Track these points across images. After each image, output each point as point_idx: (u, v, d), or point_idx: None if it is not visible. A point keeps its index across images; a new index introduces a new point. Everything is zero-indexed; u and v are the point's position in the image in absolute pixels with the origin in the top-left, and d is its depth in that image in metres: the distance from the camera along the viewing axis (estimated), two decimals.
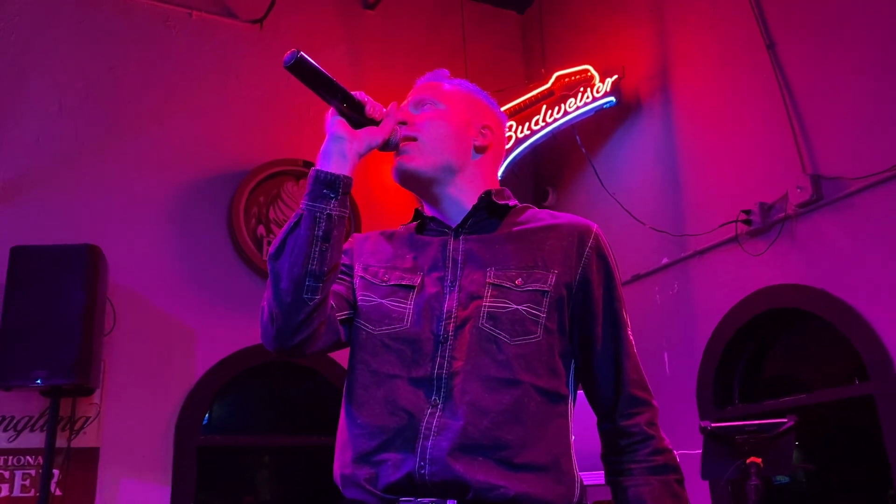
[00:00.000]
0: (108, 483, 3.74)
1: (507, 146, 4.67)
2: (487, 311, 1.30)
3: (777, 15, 3.70)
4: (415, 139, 1.39)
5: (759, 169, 3.70)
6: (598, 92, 4.49)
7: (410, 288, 1.35)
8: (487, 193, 1.41)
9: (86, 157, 4.09)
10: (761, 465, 2.44)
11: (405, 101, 1.48)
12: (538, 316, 1.30)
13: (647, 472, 1.32)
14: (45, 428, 3.58)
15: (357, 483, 1.27)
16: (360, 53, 4.99)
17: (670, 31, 4.35)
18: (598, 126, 4.66)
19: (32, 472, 3.60)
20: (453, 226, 1.40)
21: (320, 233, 1.25)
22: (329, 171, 1.28)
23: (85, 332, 3.39)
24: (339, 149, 1.30)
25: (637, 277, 4.32)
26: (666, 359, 4.09)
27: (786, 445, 2.53)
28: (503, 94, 4.86)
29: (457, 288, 1.33)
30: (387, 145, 1.37)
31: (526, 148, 4.68)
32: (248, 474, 4.85)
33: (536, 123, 4.62)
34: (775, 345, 3.88)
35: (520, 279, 1.32)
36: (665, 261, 4.16)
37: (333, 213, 1.27)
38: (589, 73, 4.56)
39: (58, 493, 3.56)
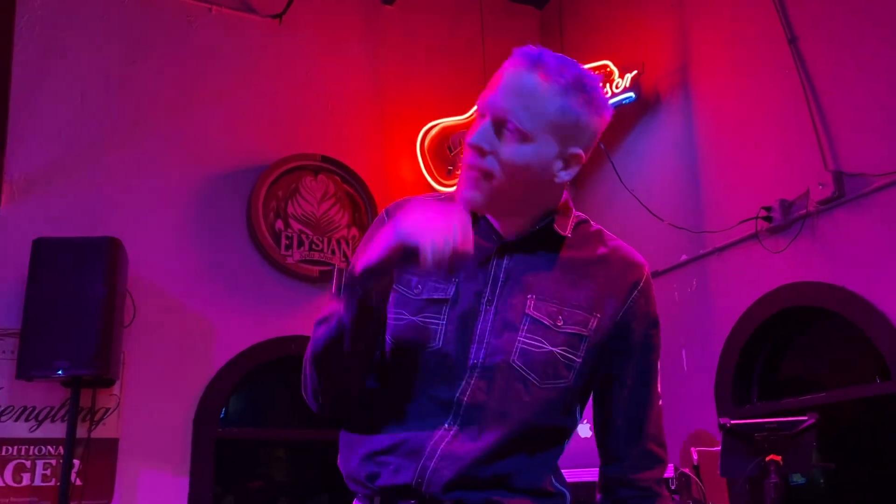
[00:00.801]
0: (128, 473, 3.78)
1: None
2: (521, 348, 1.23)
3: (799, 9, 3.66)
4: (491, 178, 1.22)
5: (780, 165, 3.67)
6: (617, 88, 4.47)
7: (444, 302, 1.27)
8: (551, 221, 1.29)
9: (107, 150, 4.13)
10: (781, 462, 2.42)
11: (489, 95, 1.24)
12: (573, 361, 1.25)
13: None
14: (65, 418, 3.62)
15: (358, 480, 1.27)
16: (378, 49, 4.99)
17: (690, 26, 4.31)
18: (617, 122, 4.59)
19: (53, 461, 3.64)
20: (505, 237, 1.29)
21: (366, 336, 1.23)
22: (360, 270, 1.17)
23: (105, 324, 3.43)
24: (383, 272, 1.19)
25: (655, 274, 4.30)
26: (684, 356, 4.07)
27: (806, 443, 2.51)
28: None
29: (493, 309, 1.26)
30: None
31: None
32: (262, 467, 4.88)
33: None
34: (795, 343, 3.85)
35: (560, 319, 1.25)
36: (684, 258, 4.13)
37: (380, 312, 1.24)
38: (608, 69, 4.54)
39: (78, 482, 3.60)
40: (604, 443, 1.34)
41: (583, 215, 1.37)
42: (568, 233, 1.31)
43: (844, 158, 3.38)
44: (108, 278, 3.49)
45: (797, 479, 3.78)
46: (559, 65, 1.22)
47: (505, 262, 1.28)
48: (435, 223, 1.12)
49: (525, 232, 1.29)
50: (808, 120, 3.51)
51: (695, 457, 2.60)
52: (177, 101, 4.36)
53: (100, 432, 3.75)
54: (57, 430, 3.66)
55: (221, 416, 4.17)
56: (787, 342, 3.83)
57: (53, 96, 4.08)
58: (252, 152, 4.46)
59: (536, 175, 1.23)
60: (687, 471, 2.47)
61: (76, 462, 3.57)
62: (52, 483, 3.61)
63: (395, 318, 1.29)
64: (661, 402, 1.35)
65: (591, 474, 2.55)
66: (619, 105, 4.47)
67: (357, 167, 4.69)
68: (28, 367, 3.37)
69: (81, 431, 3.63)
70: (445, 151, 4.87)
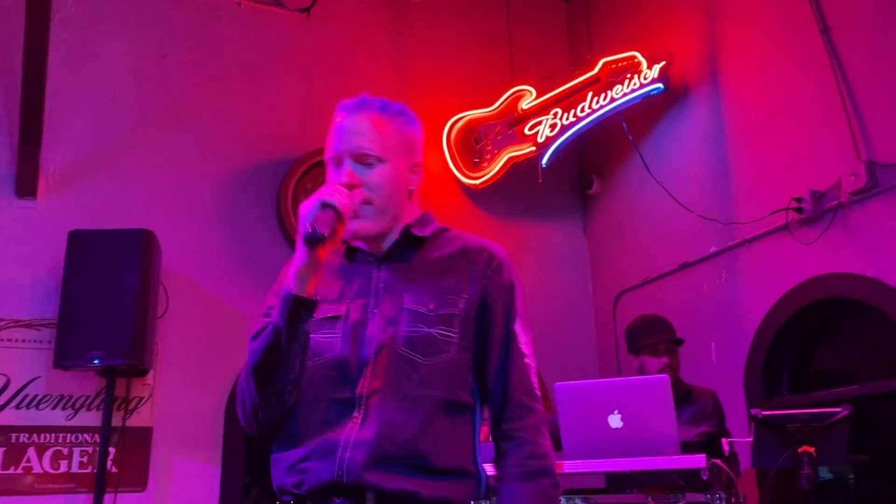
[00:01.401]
0: (161, 461, 3.84)
1: (553, 133, 4.65)
2: (404, 336, 1.43)
3: None
4: (371, 203, 1.46)
5: (812, 156, 3.64)
6: (645, 78, 4.44)
7: (337, 318, 1.47)
8: (408, 227, 1.53)
9: (140, 144, 4.19)
10: (814, 454, 2.41)
11: (337, 144, 1.49)
12: (450, 337, 1.44)
13: (523, 476, 1.43)
14: (101, 407, 3.69)
15: (286, 490, 1.43)
16: (404, 41, 5.01)
17: (720, 16, 4.28)
18: (645, 113, 4.61)
19: (90, 449, 3.72)
20: (378, 256, 1.52)
21: (299, 348, 1.40)
22: (305, 295, 1.38)
23: (139, 315, 3.48)
24: (308, 272, 1.38)
25: (684, 266, 4.29)
26: (713, 348, 4.05)
27: (840, 435, 2.49)
28: (548, 81, 4.84)
29: (378, 312, 1.46)
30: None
31: (571, 135, 4.65)
32: None
33: (582, 110, 4.59)
34: (826, 335, 3.82)
35: (433, 304, 1.46)
36: (713, 249, 4.11)
37: (308, 328, 1.41)
38: (636, 60, 4.52)
39: (113, 470, 3.67)
40: (490, 409, 1.51)
41: (443, 225, 1.60)
42: (428, 233, 1.54)
43: (878, 148, 3.34)
44: (142, 270, 3.54)
45: (825, 474, 3.75)
46: (381, 101, 1.54)
47: (382, 273, 1.51)
48: (311, 200, 1.36)
49: (392, 245, 1.52)
50: (840, 110, 3.47)
51: (726, 447, 2.59)
52: (207, 95, 4.41)
53: (134, 421, 3.83)
54: (93, 418, 3.74)
55: None
56: (817, 334, 3.80)
57: (87, 92, 4.14)
58: (281, 145, 4.50)
59: (399, 187, 1.51)
60: (718, 462, 2.46)
61: (111, 450, 3.64)
62: (89, 470, 3.68)
63: None
64: (528, 361, 1.51)
65: (620, 464, 2.56)
66: (647, 96, 4.45)
67: None
68: (65, 357, 3.44)
69: (116, 420, 3.69)
70: (471, 143, 4.88)
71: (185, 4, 4.48)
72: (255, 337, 1.44)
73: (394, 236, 1.52)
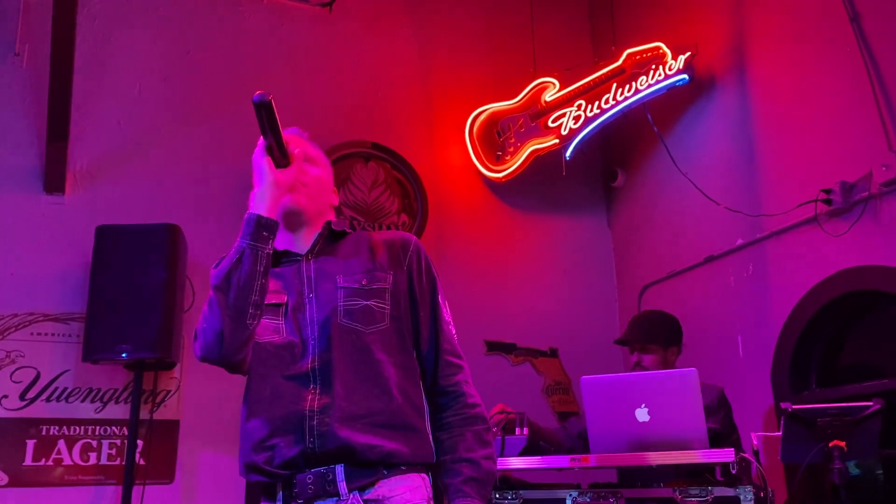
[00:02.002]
0: (188, 454, 3.88)
1: (576, 125, 4.62)
2: (343, 309, 1.61)
3: None
4: (306, 185, 1.70)
5: (841, 147, 3.58)
6: (670, 69, 4.40)
7: (280, 305, 1.64)
8: (328, 223, 1.75)
9: (164, 139, 4.22)
10: (845, 448, 2.38)
11: (296, 145, 1.73)
12: (384, 307, 1.63)
13: (461, 423, 1.63)
14: (129, 400, 3.73)
15: (257, 467, 1.54)
16: (426, 35, 4.99)
17: (746, 5, 4.22)
18: (670, 104, 4.56)
19: (118, 441, 3.76)
20: (303, 253, 1.71)
21: (261, 269, 1.54)
22: (267, 215, 1.57)
23: (166, 309, 3.51)
24: (273, 194, 1.60)
25: (710, 259, 4.24)
26: (739, 342, 4.01)
27: (871, 429, 2.45)
28: (571, 73, 4.81)
29: (314, 297, 1.64)
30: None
31: (595, 127, 4.62)
32: None
33: (606, 102, 4.55)
34: (855, 329, 3.76)
35: (365, 280, 1.64)
36: (740, 242, 4.06)
37: (269, 251, 1.56)
38: (661, 51, 4.47)
39: (141, 462, 3.71)
40: (423, 371, 1.68)
41: (359, 230, 1.91)
42: (346, 229, 1.77)
43: None
44: (169, 264, 3.57)
45: (853, 470, 3.70)
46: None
47: (312, 265, 1.69)
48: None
49: (315, 238, 1.72)
50: (870, 100, 3.41)
51: (755, 441, 2.56)
52: (230, 89, 4.43)
53: (161, 414, 3.86)
54: (121, 411, 3.78)
55: None
56: (847, 328, 3.75)
57: (113, 88, 4.18)
58: None
59: (327, 191, 1.78)
60: (747, 455, 2.44)
61: (139, 442, 3.68)
62: (118, 462, 3.73)
63: None
64: (452, 327, 1.73)
65: (648, 458, 2.54)
66: (672, 87, 4.41)
67: (406, 154, 4.72)
68: (93, 351, 3.47)
69: (144, 413, 3.73)
70: (494, 136, 4.86)
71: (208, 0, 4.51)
72: (217, 265, 1.61)
73: (315, 231, 1.72)
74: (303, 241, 1.73)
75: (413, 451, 1.56)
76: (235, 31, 4.53)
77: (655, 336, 3.32)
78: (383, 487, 1.52)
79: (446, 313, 1.74)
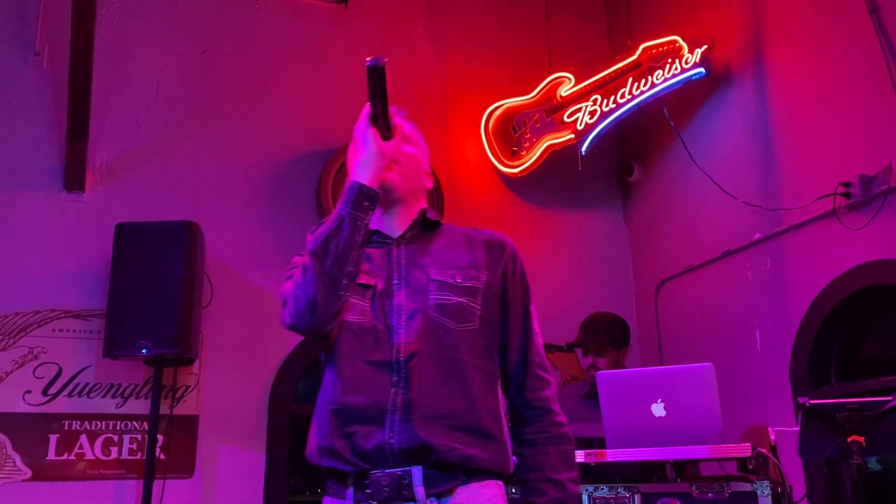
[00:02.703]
0: (208, 449, 3.92)
1: (592, 120, 4.61)
2: (435, 304, 1.54)
3: None
4: (400, 163, 1.63)
5: (860, 140, 3.54)
6: (686, 63, 4.37)
7: (368, 287, 1.57)
8: (423, 211, 1.68)
9: (182, 136, 4.26)
10: (864, 444, 2.36)
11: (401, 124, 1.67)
12: (474, 308, 1.56)
13: (547, 441, 1.57)
14: (149, 395, 3.78)
15: (334, 452, 1.48)
16: (441, 30, 4.99)
17: None
18: (686, 98, 4.54)
19: (139, 436, 3.81)
20: (394, 237, 1.64)
21: (359, 239, 1.49)
22: (370, 185, 1.52)
23: (185, 305, 3.55)
24: (377, 164, 1.54)
25: (727, 253, 4.22)
26: (757, 337, 3.99)
27: (890, 425, 2.43)
28: (587, 67, 4.79)
29: (403, 285, 1.57)
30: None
31: (611, 122, 4.60)
32: None
33: (622, 96, 4.53)
34: (875, 323, 3.73)
35: (459, 277, 1.58)
36: (758, 236, 4.04)
37: (368, 222, 1.51)
38: (677, 44, 4.44)
39: (162, 457, 3.76)
40: (506, 379, 1.62)
41: (450, 224, 1.76)
42: (441, 219, 1.70)
43: None
44: (187, 261, 3.61)
45: (873, 465, 3.68)
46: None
47: (402, 251, 1.62)
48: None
49: (409, 225, 1.65)
50: (890, 92, 3.37)
51: (772, 436, 2.56)
52: (247, 87, 4.46)
53: (181, 409, 3.91)
54: (141, 406, 3.83)
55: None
56: (866, 322, 3.72)
57: (131, 86, 4.22)
58: (320, 136, 4.53)
59: (423, 171, 1.70)
60: (764, 450, 2.43)
61: (160, 437, 3.72)
62: (138, 457, 3.77)
63: None
64: (540, 339, 1.66)
65: (664, 452, 2.54)
66: (688, 81, 4.38)
67: None
68: (114, 347, 3.52)
69: (164, 408, 3.78)
70: (509, 132, 4.86)
71: None
72: (314, 231, 1.54)
73: (411, 218, 1.66)
74: (394, 224, 1.66)
75: (492, 459, 1.50)
76: (251, 28, 4.55)
77: (609, 338, 3.41)
78: (462, 494, 1.46)
79: (536, 324, 1.67)
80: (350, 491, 1.47)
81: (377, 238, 1.64)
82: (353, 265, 1.49)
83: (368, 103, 1.56)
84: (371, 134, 1.55)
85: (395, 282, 1.58)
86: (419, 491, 1.43)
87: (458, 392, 1.49)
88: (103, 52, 4.07)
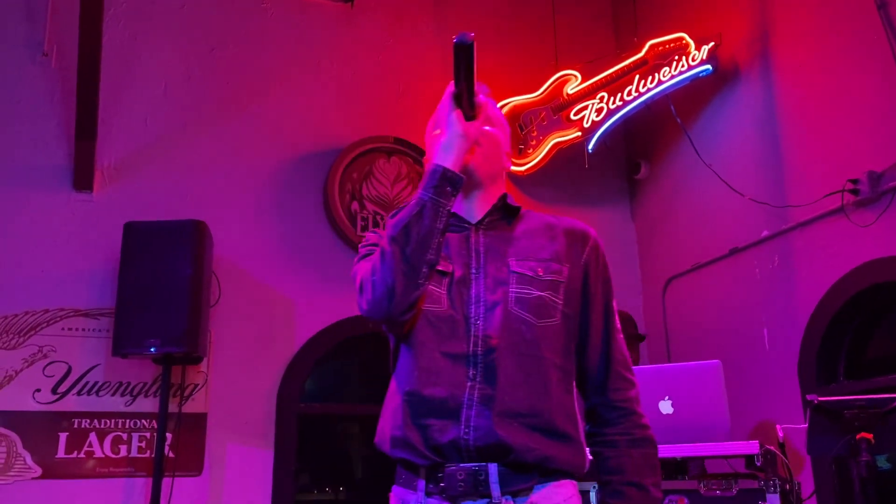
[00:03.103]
0: (216, 447, 3.94)
1: (599, 118, 4.61)
2: (515, 297, 1.46)
3: None
4: (481, 145, 1.55)
5: (868, 136, 3.53)
6: (693, 60, 4.36)
7: (445, 274, 1.50)
8: (503, 196, 1.60)
9: (190, 136, 4.27)
10: (872, 441, 2.35)
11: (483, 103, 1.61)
12: (556, 302, 1.48)
13: (630, 444, 1.49)
14: (157, 394, 3.80)
15: (408, 443, 1.42)
16: (447, 27, 4.99)
17: None
18: (693, 95, 4.53)
19: (147, 434, 3.83)
20: (472, 222, 1.56)
21: (440, 226, 1.42)
22: (453, 168, 1.43)
23: (193, 304, 3.57)
24: (460, 146, 1.46)
25: (734, 251, 4.21)
26: (765, 334, 3.98)
27: None
28: (593, 64, 4.78)
29: (482, 274, 1.50)
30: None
31: (617, 119, 4.60)
32: (339, 441, 5.00)
33: (629, 94, 4.53)
34: (884, 321, 3.72)
35: (540, 269, 1.50)
36: (765, 233, 4.03)
37: (451, 208, 1.43)
38: (684, 41, 4.44)
39: (170, 455, 3.77)
40: (585, 379, 1.55)
41: (530, 210, 1.67)
42: (520, 206, 1.61)
43: None
44: (195, 260, 3.62)
45: (882, 463, 3.66)
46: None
47: (481, 238, 1.55)
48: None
49: (487, 212, 1.57)
50: None
51: (780, 434, 2.55)
52: (254, 87, 4.47)
53: (189, 407, 3.92)
54: (150, 404, 3.85)
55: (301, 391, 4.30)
56: (875, 319, 3.70)
57: (138, 87, 4.24)
58: (327, 135, 4.54)
59: (502, 155, 1.60)
60: (773, 448, 2.42)
61: (168, 435, 3.74)
62: (147, 455, 3.79)
63: None
64: (622, 336, 1.58)
65: (672, 450, 2.54)
66: (695, 78, 4.37)
67: None
68: (123, 345, 3.53)
69: (172, 406, 3.79)
70: (516, 130, 4.85)
71: None
72: (394, 215, 1.47)
73: (490, 202, 1.58)
74: (473, 208, 1.58)
75: (569, 459, 1.44)
76: (258, 28, 4.57)
77: None
78: (538, 494, 1.41)
79: (618, 321, 1.59)
80: (422, 482, 1.42)
81: (454, 222, 1.56)
82: (433, 253, 1.42)
83: (452, 81, 1.47)
84: (455, 115, 1.47)
85: (474, 271, 1.51)
86: (495, 488, 1.38)
87: (537, 390, 1.43)
88: (111, 53, 4.09)
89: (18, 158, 3.95)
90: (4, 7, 4.08)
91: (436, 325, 1.46)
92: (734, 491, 2.40)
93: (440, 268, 1.49)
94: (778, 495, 2.34)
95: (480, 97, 1.54)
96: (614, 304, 1.59)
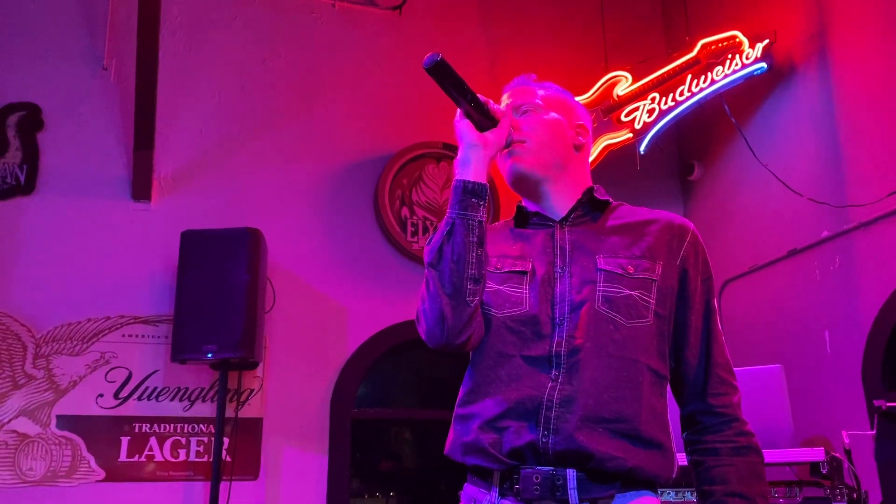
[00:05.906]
0: (272, 451, 3.99)
1: (650, 119, 4.55)
2: (602, 296, 1.39)
3: None
4: (524, 141, 1.49)
5: None
6: (747, 58, 4.27)
7: (524, 273, 1.44)
8: (590, 189, 1.52)
9: (243, 145, 4.35)
10: None
11: (505, 105, 1.56)
12: (648, 302, 1.40)
13: (733, 452, 1.40)
14: (215, 399, 3.86)
15: (480, 448, 1.35)
16: (496, 32, 4.99)
17: None
18: (747, 94, 4.44)
19: (205, 439, 3.90)
20: (556, 219, 1.50)
21: (475, 239, 1.37)
22: (474, 180, 1.38)
23: (249, 310, 3.62)
24: (476, 156, 1.40)
25: (793, 252, 4.10)
26: (827, 338, 3.87)
27: None
28: (644, 65, 4.72)
29: (567, 273, 1.43)
30: (506, 145, 1.48)
31: (670, 121, 4.53)
32: (390, 446, 5.02)
33: (681, 94, 4.45)
34: None
35: (631, 267, 1.42)
36: (825, 234, 3.92)
37: (483, 219, 1.38)
38: (737, 39, 4.35)
39: (228, 459, 3.84)
40: (683, 382, 1.47)
41: (622, 202, 1.58)
42: (610, 199, 1.53)
43: None
44: (251, 267, 3.68)
45: None
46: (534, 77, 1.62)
47: (566, 234, 1.48)
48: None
49: (574, 206, 1.51)
50: None
51: (846, 440, 2.47)
52: (305, 95, 4.53)
53: (246, 412, 3.98)
54: (207, 409, 3.92)
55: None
56: None
57: (194, 97, 4.34)
58: (377, 142, 4.58)
59: (557, 134, 1.52)
60: (839, 455, 2.35)
61: (225, 440, 3.80)
62: (205, 459, 3.86)
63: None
64: (723, 336, 1.48)
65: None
66: (750, 76, 4.29)
67: None
68: (181, 351, 3.61)
69: (229, 411, 3.86)
70: None
71: (283, 8, 4.62)
72: (429, 242, 1.43)
73: (570, 198, 1.52)
74: (554, 204, 1.52)
75: (655, 470, 1.35)
76: (308, 38, 4.63)
77: None
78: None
79: (719, 322, 1.50)
80: (496, 485, 1.37)
81: (537, 220, 1.52)
82: (474, 267, 1.36)
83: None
84: (464, 126, 1.42)
85: (559, 269, 1.44)
86: (573, 494, 1.31)
87: (626, 394, 1.35)
88: (167, 65, 4.19)
89: (80, 169, 4.07)
90: (67, 24, 4.22)
91: (516, 330, 1.41)
92: (798, 499, 2.33)
93: (517, 268, 1.45)
94: (845, 503, 2.27)
95: (518, 92, 1.54)
96: (715, 303, 1.49)
